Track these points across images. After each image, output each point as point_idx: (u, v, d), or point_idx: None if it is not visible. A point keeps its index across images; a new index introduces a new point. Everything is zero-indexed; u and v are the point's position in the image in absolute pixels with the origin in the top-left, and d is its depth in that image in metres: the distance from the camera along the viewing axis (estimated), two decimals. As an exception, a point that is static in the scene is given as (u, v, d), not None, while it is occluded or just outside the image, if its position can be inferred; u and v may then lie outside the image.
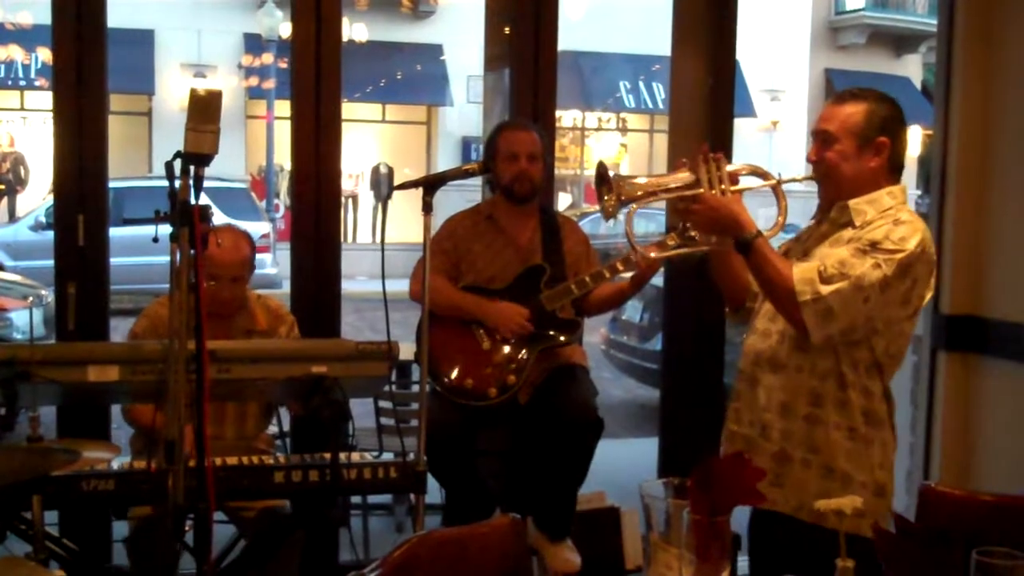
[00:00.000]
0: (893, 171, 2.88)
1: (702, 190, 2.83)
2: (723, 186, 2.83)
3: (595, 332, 9.09)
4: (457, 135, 19.38)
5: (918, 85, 21.72)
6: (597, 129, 21.69)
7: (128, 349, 3.30)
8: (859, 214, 2.82)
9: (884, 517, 2.68)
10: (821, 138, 2.87)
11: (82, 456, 2.46)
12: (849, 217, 2.83)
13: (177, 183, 2.67)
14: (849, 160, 2.83)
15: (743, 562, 2.96)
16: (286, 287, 4.72)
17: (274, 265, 14.33)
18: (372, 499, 5.30)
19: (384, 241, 3.29)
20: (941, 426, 4.60)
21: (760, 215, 2.92)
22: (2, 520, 3.11)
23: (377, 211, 19.85)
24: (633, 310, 8.89)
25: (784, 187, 2.97)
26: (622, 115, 21.33)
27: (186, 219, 2.34)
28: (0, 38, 17.17)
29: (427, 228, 3.28)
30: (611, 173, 2.85)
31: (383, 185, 19.91)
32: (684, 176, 2.87)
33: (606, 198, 2.82)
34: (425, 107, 19.82)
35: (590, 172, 21.36)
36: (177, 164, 2.56)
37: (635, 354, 9.01)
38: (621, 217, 2.91)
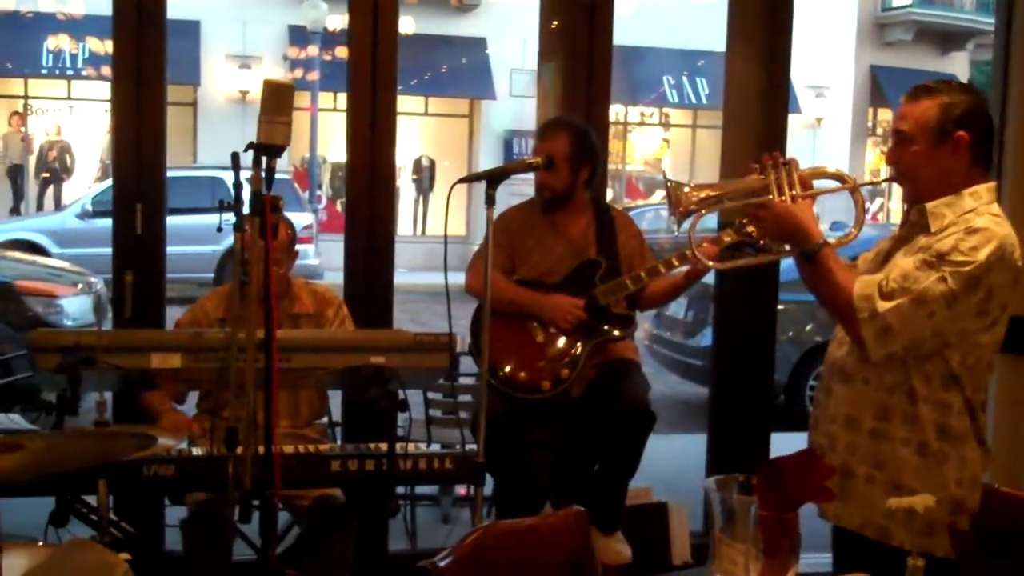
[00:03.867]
0: (977, 166, 2.74)
1: (770, 196, 2.75)
2: (793, 192, 2.75)
3: (638, 327, 9.08)
4: (499, 129, 19.39)
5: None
6: (639, 124, 21.62)
7: (191, 337, 3.34)
8: (936, 218, 2.69)
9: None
10: (897, 138, 2.76)
11: (158, 442, 2.48)
12: (926, 220, 2.72)
13: (243, 174, 2.70)
14: (926, 159, 2.70)
15: (806, 561, 2.94)
16: (328, 278, 4.76)
17: (316, 256, 14.40)
18: (418, 490, 5.32)
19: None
20: (994, 429, 4.55)
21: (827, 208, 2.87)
22: (68, 503, 3.16)
23: (418, 203, 19.90)
24: (677, 306, 8.87)
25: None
26: (665, 110, 21.26)
27: (258, 209, 2.35)
28: (50, 28, 17.35)
29: (489, 221, 3.29)
30: (674, 182, 2.80)
31: (425, 178, 19.95)
32: (753, 182, 2.80)
33: (675, 211, 2.78)
34: (468, 100, 19.83)
35: (632, 167, 21.51)
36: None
37: (679, 350, 9.00)
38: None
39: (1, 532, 2.09)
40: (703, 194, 2.81)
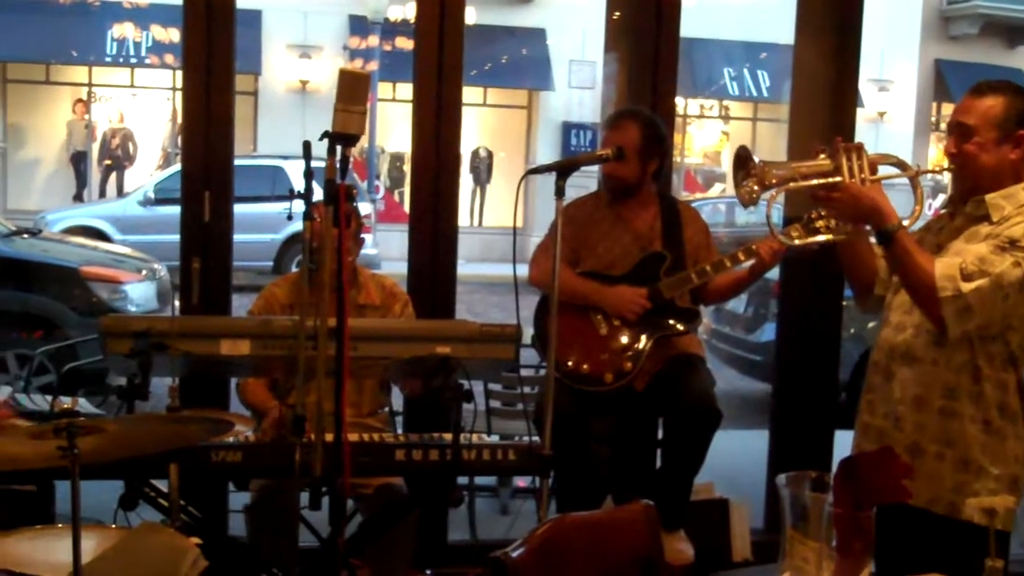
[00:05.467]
0: None
1: (842, 178, 2.80)
2: (864, 175, 2.80)
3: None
4: (558, 120, 19.35)
5: (1031, 78, 21.15)
6: (699, 116, 21.50)
7: (259, 324, 3.36)
8: (996, 209, 2.80)
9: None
10: (959, 131, 2.84)
11: (234, 427, 2.51)
12: (985, 211, 2.82)
13: (315, 163, 2.72)
14: (988, 153, 2.81)
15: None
16: (385, 268, 4.78)
17: (374, 246, 14.48)
18: (477, 481, 5.33)
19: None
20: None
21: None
22: (137, 487, 3.20)
23: (475, 194, 19.93)
24: (737, 301, 8.79)
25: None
26: (724, 103, 21.11)
27: (332, 198, 2.36)
28: (116, 16, 17.58)
29: (559, 212, 3.29)
30: (755, 158, 2.82)
31: (482, 169, 19.98)
32: (823, 164, 2.84)
33: (745, 184, 2.79)
34: (527, 91, 19.82)
35: (691, 160, 21.39)
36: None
37: (739, 345, 8.93)
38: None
39: (80, 514, 2.12)
40: (778, 175, 2.83)
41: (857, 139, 4.78)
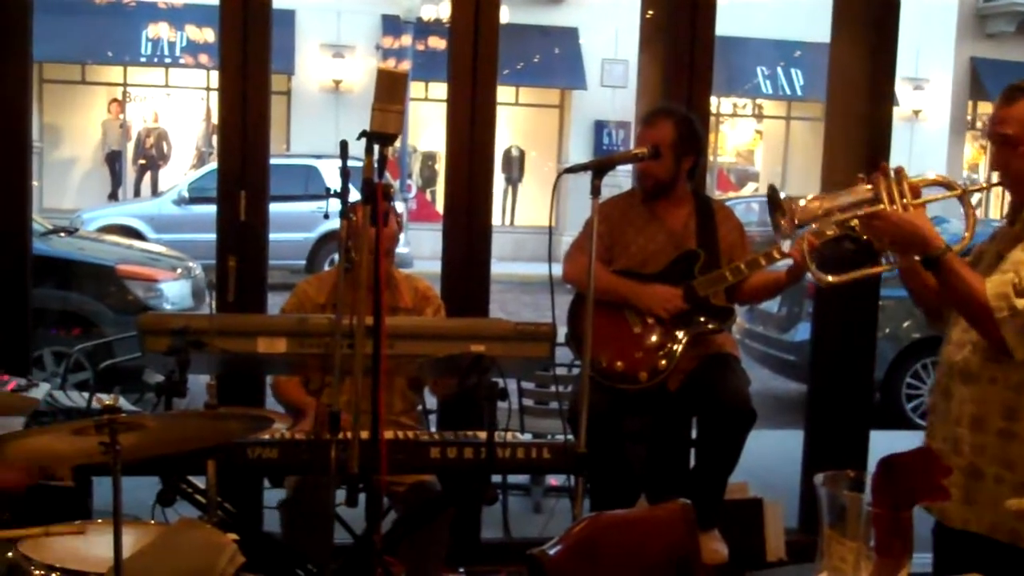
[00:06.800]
0: None
1: (882, 206, 2.71)
2: (905, 200, 2.71)
3: (730, 321, 8.99)
4: (590, 119, 19.33)
5: (1070, 76, 20.89)
6: (732, 115, 21.41)
7: (296, 322, 3.38)
8: None
9: None
10: (1000, 141, 2.72)
11: (273, 424, 2.53)
12: None
13: (351, 162, 2.73)
14: None
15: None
16: (417, 267, 4.80)
17: (406, 245, 14.51)
18: (510, 479, 5.34)
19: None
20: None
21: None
22: (174, 484, 3.23)
23: (507, 194, 19.93)
24: (771, 300, 8.76)
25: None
26: (758, 101, 21.01)
27: (370, 196, 2.37)
28: (150, 16, 17.72)
29: (594, 211, 3.29)
30: (782, 195, 2.76)
31: (514, 168, 19.98)
32: (862, 190, 2.76)
33: (782, 222, 2.73)
34: (559, 90, 19.80)
35: (723, 159, 21.29)
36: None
37: (772, 345, 8.89)
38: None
39: (121, 509, 2.14)
40: (814, 207, 2.76)
41: (892, 138, 4.78)
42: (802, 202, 2.76)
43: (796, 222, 2.73)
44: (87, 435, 2.18)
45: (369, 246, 2.97)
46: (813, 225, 2.76)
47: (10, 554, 2.36)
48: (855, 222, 3.31)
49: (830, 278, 3.01)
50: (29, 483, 2.58)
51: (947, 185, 2.85)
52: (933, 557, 2.90)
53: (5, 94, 4.29)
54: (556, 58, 18.82)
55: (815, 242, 3.60)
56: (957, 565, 2.71)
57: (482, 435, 3.32)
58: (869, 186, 2.76)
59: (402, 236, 14.75)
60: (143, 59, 18.16)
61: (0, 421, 3.19)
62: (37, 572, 2.31)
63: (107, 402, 2.13)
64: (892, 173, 2.74)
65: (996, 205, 16.93)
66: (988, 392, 2.71)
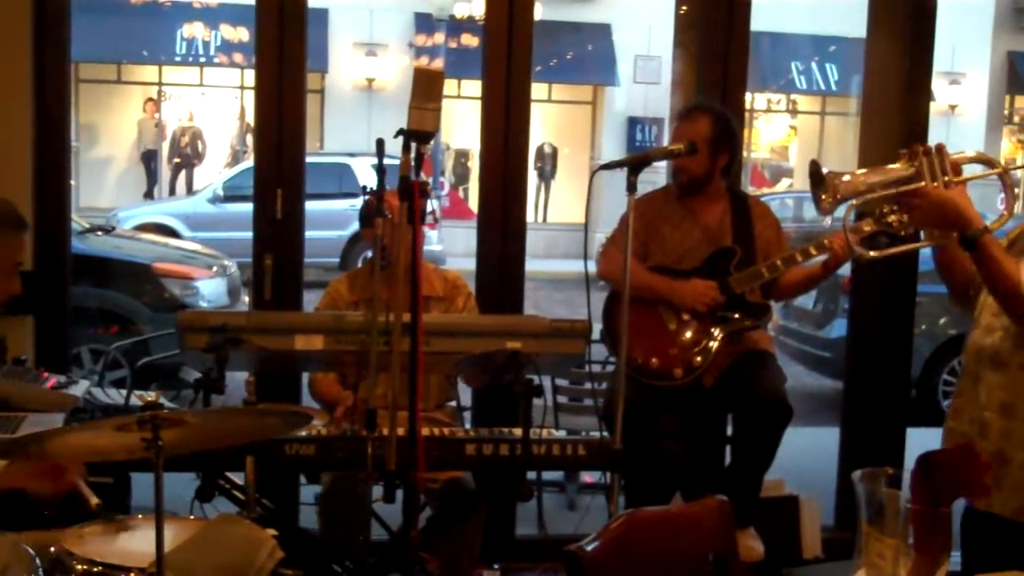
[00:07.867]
0: None
1: (923, 183, 2.69)
2: (946, 178, 2.69)
3: (766, 318, 8.95)
4: (623, 115, 19.28)
5: (1108, 69, 20.65)
6: (766, 111, 21.29)
7: (332, 319, 3.40)
8: None
9: None
10: None
11: (312, 421, 2.55)
12: None
13: (387, 160, 2.75)
14: None
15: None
16: (451, 264, 4.81)
17: (439, 242, 14.53)
18: (544, 476, 5.34)
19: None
20: None
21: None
22: (213, 479, 3.26)
23: (540, 191, 19.92)
24: (806, 296, 8.70)
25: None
26: (792, 96, 20.89)
27: (407, 194, 2.39)
28: (186, 15, 17.84)
29: (630, 207, 3.28)
30: (824, 170, 2.74)
31: (547, 165, 19.96)
32: (902, 168, 2.73)
33: (823, 197, 2.72)
34: (591, 87, 19.77)
35: (757, 155, 21.18)
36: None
37: (807, 341, 8.84)
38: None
39: (163, 505, 2.16)
40: (856, 182, 2.74)
41: (928, 133, 4.73)
42: (846, 177, 2.75)
43: (839, 197, 2.71)
44: (129, 431, 2.20)
45: (402, 242, 2.98)
46: (853, 200, 2.73)
47: (52, 548, 2.39)
48: (893, 218, 3.30)
49: (872, 253, 3.02)
50: (66, 490, 2.60)
51: (988, 163, 2.83)
52: (961, 539, 2.88)
53: (45, 95, 4.33)
54: (589, 54, 18.78)
55: (855, 238, 3.59)
56: (982, 548, 2.77)
57: (517, 432, 3.33)
58: (909, 163, 2.74)
59: (435, 233, 14.80)
60: (178, 58, 18.29)
61: (41, 418, 3.23)
62: (79, 567, 2.33)
63: (148, 399, 2.14)
64: (933, 150, 2.72)
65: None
66: (1019, 379, 2.71)
